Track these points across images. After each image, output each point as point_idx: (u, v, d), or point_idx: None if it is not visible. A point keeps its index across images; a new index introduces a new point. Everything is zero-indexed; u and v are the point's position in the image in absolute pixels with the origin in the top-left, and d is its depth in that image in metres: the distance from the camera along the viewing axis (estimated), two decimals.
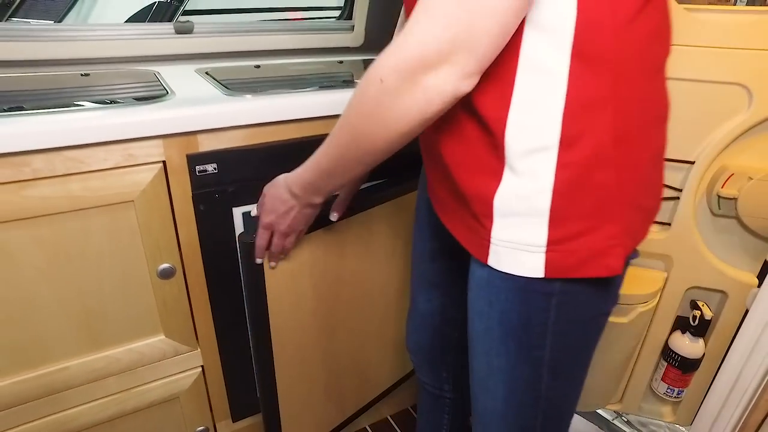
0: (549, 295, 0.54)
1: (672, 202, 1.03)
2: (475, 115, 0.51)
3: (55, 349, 0.84)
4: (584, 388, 1.21)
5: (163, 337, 0.93)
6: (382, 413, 1.38)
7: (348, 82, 1.10)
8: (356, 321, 1.06)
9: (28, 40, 1.03)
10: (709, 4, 0.92)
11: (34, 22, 1.11)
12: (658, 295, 1.10)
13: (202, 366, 1.00)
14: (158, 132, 0.77)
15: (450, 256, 0.76)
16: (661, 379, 1.17)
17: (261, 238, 0.72)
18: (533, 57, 0.47)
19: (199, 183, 0.83)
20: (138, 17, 1.57)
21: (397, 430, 1.35)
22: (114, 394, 0.93)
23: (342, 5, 1.43)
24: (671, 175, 1.00)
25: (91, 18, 1.73)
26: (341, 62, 1.27)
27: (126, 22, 1.57)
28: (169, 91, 0.87)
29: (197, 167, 0.82)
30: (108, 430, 0.96)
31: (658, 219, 1.05)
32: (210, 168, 0.83)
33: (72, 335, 0.85)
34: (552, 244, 0.51)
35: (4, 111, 0.73)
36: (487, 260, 0.55)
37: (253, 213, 0.74)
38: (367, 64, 1.24)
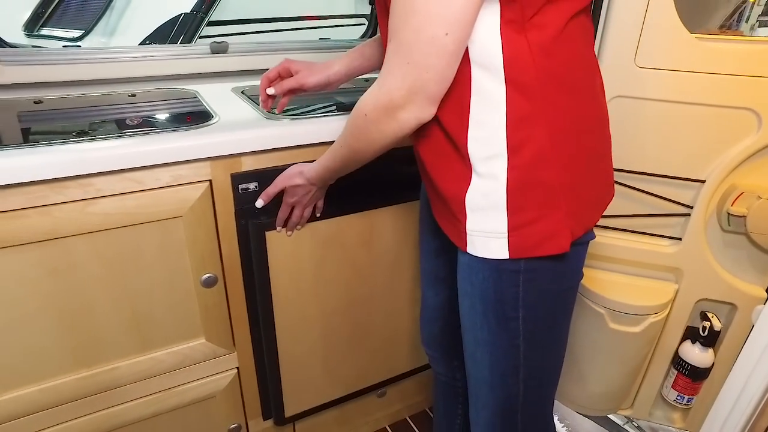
0: (517, 273, 0.65)
1: (683, 218, 1.08)
2: (445, 133, 0.65)
3: (108, 350, 0.92)
4: (597, 394, 1.27)
5: (204, 340, 1.00)
6: (401, 414, 1.44)
7: None
8: (367, 305, 1.15)
9: (81, 62, 1.11)
10: (720, 33, 0.97)
11: (85, 46, 1.19)
12: (669, 306, 1.15)
13: (238, 368, 1.07)
14: (206, 155, 0.84)
15: (452, 251, 0.84)
16: (672, 387, 1.22)
17: (282, 212, 0.90)
18: (480, 87, 0.60)
19: (241, 200, 0.90)
20: (164, 28, 1.64)
21: (415, 429, 1.41)
22: (156, 393, 1.00)
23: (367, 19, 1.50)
24: (683, 193, 1.05)
25: (119, 28, 1.81)
26: (367, 80, 1.33)
27: (153, 32, 1.65)
28: (214, 115, 0.94)
29: (240, 185, 0.89)
30: (149, 425, 1.03)
31: (669, 234, 1.10)
32: (252, 186, 0.90)
33: (123, 338, 0.92)
34: (512, 230, 0.63)
35: (74, 137, 0.81)
36: (465, 248, 0.67)
37: (258, 205, 0.89)
38: None
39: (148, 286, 0.90)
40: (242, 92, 1.14)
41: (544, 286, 0.67)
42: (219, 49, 1.27)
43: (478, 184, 0.63)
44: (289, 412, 1.15)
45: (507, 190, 0.62)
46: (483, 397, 0.77)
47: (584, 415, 1.33)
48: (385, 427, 1.42)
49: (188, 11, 1.67)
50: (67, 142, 0.78)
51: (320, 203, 0.92)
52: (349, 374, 1.20)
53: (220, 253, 0.94)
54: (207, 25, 1.69)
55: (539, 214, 0.62)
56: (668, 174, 1.04)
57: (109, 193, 0.80)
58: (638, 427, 1.31)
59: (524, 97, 0.59)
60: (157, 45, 1.24)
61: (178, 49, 1.24)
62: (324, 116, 1.01)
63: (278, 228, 0.93)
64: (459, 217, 0.66)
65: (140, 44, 1.28)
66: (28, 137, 0.84)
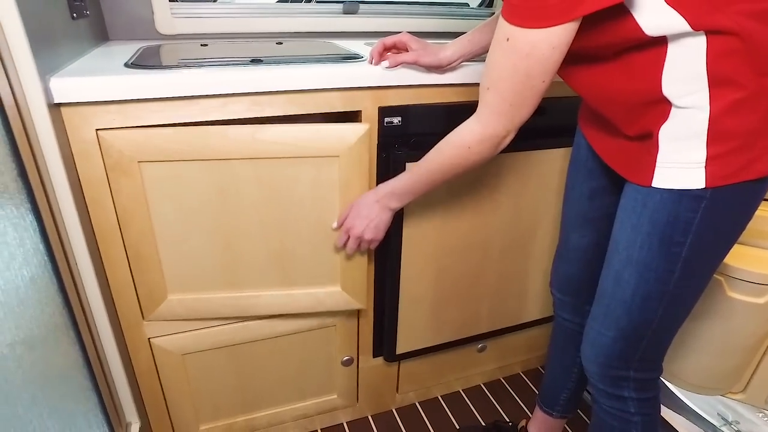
0: (700, 199, 0.66)
1: None
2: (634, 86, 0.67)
3: (252, 277, 1.00)
4: (705, 370, 1.23)
5: (339, 289, 1.05)
6: (495, 374, 1.47)
7: None
8: (482, 250, 1.20)
9: (235, 16, 1.23)
10: None
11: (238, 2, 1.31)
12: None
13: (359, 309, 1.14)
14: (360, 84, 0.91)
15: (609, 193, 0.88)
16: None
17: (340, 240, 0.98)
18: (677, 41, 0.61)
19: (385, 132, 0.96)
20: None
21: (510, 391, 1.43)
22: (286, 316, 1.09)
23: None
24: None
25: None
26: None
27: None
28: (361, 55, 1.02)
29: (386, 118, 0.95)
30: (275, 342, 1.12)
31: None
32: (396, 120, 0.96)
33: (268, 268, 0.99)
34: (710, 159, 0.64)
35: (248, 63, 0.90)
36: (650, 183, 0.69)
37: (334, 226, 0.98)
38: None
39: (297, 221, 0.96)
40: None
41: (722, 214, 0.68)
42: (350, 10, 1.36)
43: (677, 117, 0.65)
44: (400, 350, 1.20)
45: (709, 119, 0.62)
46: (614, 319, 0.78)
47: (680, 399, 1.29)
48: (480, 385, 1.45)
49: None
50: (244, 66, 0.88)
51: (376, 234, 0.94)
52: (456, 320, 1.24)
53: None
54: None
55: (741, 142, 0.63)
56: None
57: (272, 114, 0.88)
58: None
59: (724, 37, 0.59)
60: (294, 3, 1.34)
61: (312, 6, 1.34)
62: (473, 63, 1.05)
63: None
64: (650, 150, 0.68)
65: (277, 2, 1.39)
66: (203, 62, 0.95)
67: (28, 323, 0.65)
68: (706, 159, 0.64)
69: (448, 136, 0.79)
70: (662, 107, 0.65)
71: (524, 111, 0.69)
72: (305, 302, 1.05)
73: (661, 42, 0.62)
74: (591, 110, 0.81)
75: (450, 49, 0.94)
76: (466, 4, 1.57)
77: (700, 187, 0.65)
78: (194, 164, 0.87)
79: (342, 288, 1.05)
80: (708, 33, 0.59)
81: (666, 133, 0.66)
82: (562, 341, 1.08)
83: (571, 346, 1.05)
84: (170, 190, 0.88)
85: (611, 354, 0.81)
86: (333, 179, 0.94)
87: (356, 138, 0.92)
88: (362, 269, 1.05)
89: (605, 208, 0.88)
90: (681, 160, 0.66)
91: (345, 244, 0.97)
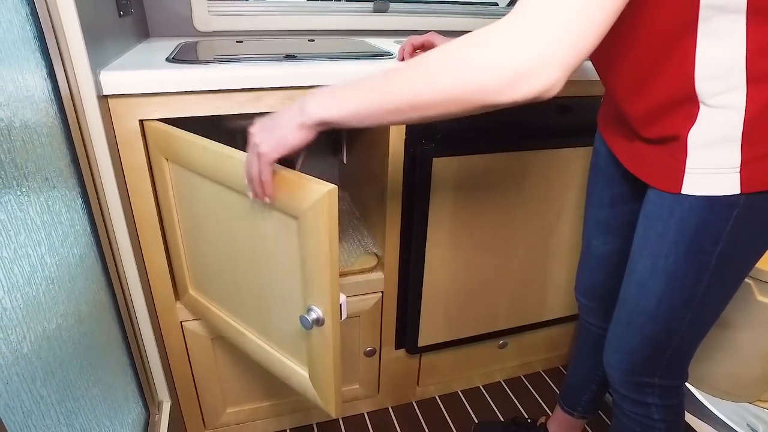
0: (732, 207, 0.63)
1: None
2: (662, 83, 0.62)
3: (242, 312, 0.90)
4: (734, 376, 1.21)
5: (307, 375, 0.83)
6: (515, 372, 1.48)
7: None
8: (507, 246, 1.21)
9: (270, 14, 1.27)
10: None
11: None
12: None
13: (382, 292, 1.17)
14: None
15: (630, 200, 0.86)
16: None
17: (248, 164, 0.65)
18: (710, 24, 0.56)
19: (412, 128, 0.99)
20: None
21: (530, 388, 1.44)
22: None
23: None
24: None
25: None
26: None
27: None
28: (392, 53, 1.05)
29: None
30: None
31: None
32: None
33: (252, 311, 0.88)
34: (745, 163, 0.60)
35: (282, 58, 0.94)
36: (680, 189, 0.65)
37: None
38: None
39: (271, 272, 0.84)
40: None
41: (757, 222, 0.65)
42: (380, 8, 1.38)
43: (708, 119, 0.61)
44: (422, 342, 1.23)
45: (745, 121, 0.59)
46: (638, 326, 0.77)
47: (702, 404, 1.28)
48: (500, 381, 1.46)
49: None
50: (278, 61, 0.92)
51: (272, 149, 0.62)
52: (478, 315, 1.26)
53: (386, 178, 1.03)
54: None
55: None
56: None
57: None
58: None
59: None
60: (326, 1, 1.38)
61: (343, 5, 1.37)
62: None
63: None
64: (677, 156, 0.65)
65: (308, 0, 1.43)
66: (240, 57, 0.99)
67: (77, 298, 0.70)
68: (741, 163, 0.60)
69: (466, 45, 0.49)
70: (689, 108, 0.62)
71: (588, 44, 0.47)
72: (278, 367, 0.87)
73: (693, 30, 0.58)
74: (612, 113, 0.79)
75: None
76: (496, 3, 1.58)
77: (734, 193, 0.62)
78: (205, 180, 0.80)
79: (309, 377, 0.82)
80: (752, 18, 0.55)
81: (696, 137, 0.62)
82: (588, 345, 1.07)
83: (596, 350, 1.04)
84: (186, 193, 0.87)
85: (635, 361, 0.79)
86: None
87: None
88: (329, 376, 0.78)
89: (627, 215, 0.86)
90: (713, 165, 0.62)
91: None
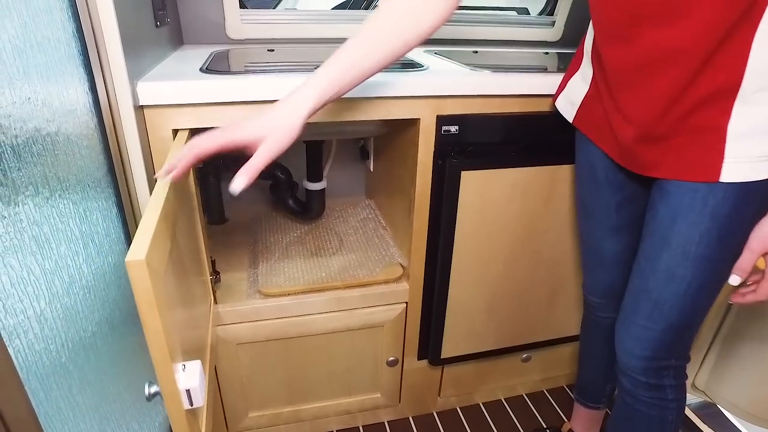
0: (761, 192, 0.68)
1: None
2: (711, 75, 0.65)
3: None
4: (761, 399, 1.17)
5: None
6: (538, 386, 1.46)
7: (556, 71, 1.19)
8: (533, 259, 1.19)
9: (299, 22, 1.29)
10: None
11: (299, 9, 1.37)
12: None
13: (407, 303, 1.16)
14: (420, 93, 0.94)
15: (636, 199, 0.89)
16: None
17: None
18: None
19: (442, 140, 0.99)
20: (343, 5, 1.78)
21: (553, 403, 1.41)
22: (337, 311, 1.13)
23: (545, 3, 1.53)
24: None
25: (299, 5, 1.98)
26: (546, 53, 1.37)
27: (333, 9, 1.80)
28: (422, 64, 1.04)
29: (443, 126, 0.97)
30: (322, 339, 1.16)
31: None
32: (453, 129, 0.98)
33: None
34: None
35: (314, 69, 0.94)
36: (718, 178, 0.68)
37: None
38: (564, 57, 1.33)
39: None
40: (435, 53, 1.23)
41: None
42: None
43: (748, 109, 0.65)
44: (445, 354, 1.22)
45: None
46: (663, 313, 0.78)
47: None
48: (522, 395, 1.44)
49: None
50: (309, 72, 0.92)
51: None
52: (502, 327, 1.25)
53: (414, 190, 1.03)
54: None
55: None
56: None
57: (335, 120, 0.93)
58: None
59: None
60: (347, 10, 1.39)
61: (363, 13, 1.38)
62: (522, 72, 1.06)
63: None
64: (715, 147, 0.68)
65: (333, 9, 1.44)
66: (274, 67, 1.00)
67: (111, 306, 0.71)
68: None
69: None
70: (724, 102, 0.65)
71: None
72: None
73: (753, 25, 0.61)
74: (605, 122, 0.81)
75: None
76: (527, 12, 1.57)
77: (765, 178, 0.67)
78: None
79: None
80: None
81: (736, 129, 0.66)
82: (601, 337, 1.08)
83: (611, 341, 1.05)
84: None
85: (659, 347, 0.81)
86: None
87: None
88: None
89: (635, 212, 0.89)
90: (753, 154, 0.66)
91: None
